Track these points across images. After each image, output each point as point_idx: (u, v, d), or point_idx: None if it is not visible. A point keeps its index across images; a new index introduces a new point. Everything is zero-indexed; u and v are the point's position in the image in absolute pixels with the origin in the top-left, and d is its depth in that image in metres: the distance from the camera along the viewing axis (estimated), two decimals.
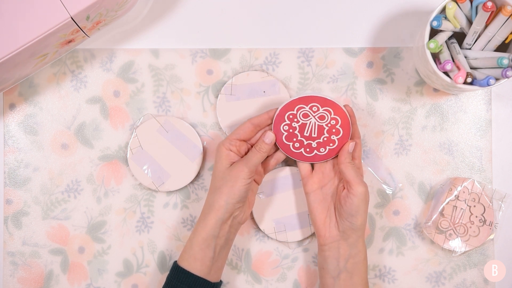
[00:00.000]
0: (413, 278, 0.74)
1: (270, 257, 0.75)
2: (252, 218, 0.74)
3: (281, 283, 0.75)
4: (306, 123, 0.68)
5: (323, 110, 0.68)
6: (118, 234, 0.75)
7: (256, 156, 0.66)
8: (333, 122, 0.68)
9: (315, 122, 0.68)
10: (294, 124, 0.68)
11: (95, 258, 0.75)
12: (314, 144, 0.69)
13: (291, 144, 0.69)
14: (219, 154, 0.67)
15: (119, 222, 0.75)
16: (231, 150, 0.67)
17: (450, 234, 0.72)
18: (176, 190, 0.74)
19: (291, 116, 0.68)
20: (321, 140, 0.68)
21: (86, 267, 0.75)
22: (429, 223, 0.72)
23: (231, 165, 0.67)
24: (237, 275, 0.75)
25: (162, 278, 0.75)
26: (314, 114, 0.68)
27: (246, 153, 0.69)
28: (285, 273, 0.75)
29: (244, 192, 0.65)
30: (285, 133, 0.68)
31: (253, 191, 0.70)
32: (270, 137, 0.67)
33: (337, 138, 0.68)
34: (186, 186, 0.74)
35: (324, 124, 0.68)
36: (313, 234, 0.74)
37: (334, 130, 0.68)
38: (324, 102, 0.68)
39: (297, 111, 0.68)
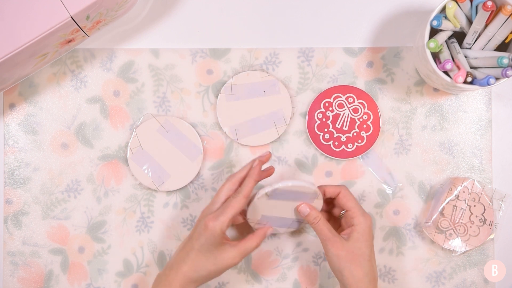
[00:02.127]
0: (413, 278, 0.74)
1: (270, 257, 0.75)
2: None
3: (281, 283, 0.75)
4: (340, 114, 0.70)
5: (358, 102, 0.70)
6: (118, 234, 0.75)
7: (254, 246, 0.64)
8: (365, 117, 0.70)
9: (348, 114, 0.69)
10: (328, 114, 0.70)
11: (95, 258, 0.75)
12: (343, 138, 0.70)
13: (321, 134, 0.70)
14: (211, 234, 0.62)
15: (119, 222, 0.75)
16: (225, 232, 0.63)
17: (450, 234, 0.72)
18: (176, 190, 0.74)
19: (326, 104, 0.70)
20: (350, 135, 0.70)
21: (86, 267, 0.75)
22: (429, 223, 0.72)
23: (221, 244, 0.63)
24: (237, 275, 0.75)
25: None
26: (349, 106, 0.70)
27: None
28: (285, 273, 0.75)
29: None
30: (318, 122, 0.70)
31: None
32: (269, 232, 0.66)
33: (366, 135, 0.70)
34: (186, 186, 0.74)
35: (356, 118, 0.70)
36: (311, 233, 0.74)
37: (364, 126, 0.70)
38: (360, 94, 0.71)
39: (334, 99, 0.69)
